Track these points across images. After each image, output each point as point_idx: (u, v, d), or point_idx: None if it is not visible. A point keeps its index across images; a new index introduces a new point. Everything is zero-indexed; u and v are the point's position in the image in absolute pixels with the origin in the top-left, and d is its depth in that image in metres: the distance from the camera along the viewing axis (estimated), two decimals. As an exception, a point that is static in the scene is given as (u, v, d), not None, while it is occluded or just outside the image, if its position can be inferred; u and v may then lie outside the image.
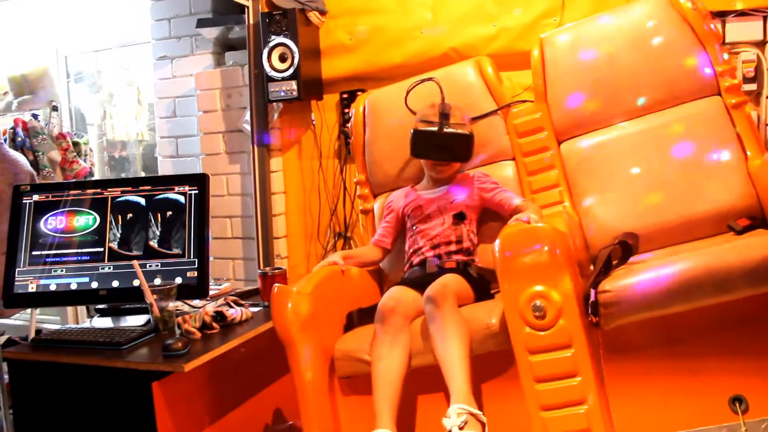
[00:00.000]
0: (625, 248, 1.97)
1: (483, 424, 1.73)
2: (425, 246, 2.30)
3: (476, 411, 1.73)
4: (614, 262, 1.92)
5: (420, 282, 2.11)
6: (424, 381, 1.95)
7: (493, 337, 1.85)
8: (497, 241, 1.78)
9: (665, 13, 2.35)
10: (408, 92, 2.53)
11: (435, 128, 2.37)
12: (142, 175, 4.18)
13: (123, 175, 4.26)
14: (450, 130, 2.37)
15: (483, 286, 2.15)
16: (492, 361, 1.89)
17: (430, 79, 2.50)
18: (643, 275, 1.76)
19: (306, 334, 1.96)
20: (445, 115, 2.38)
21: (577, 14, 2.71)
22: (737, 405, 1.74)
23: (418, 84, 2.54)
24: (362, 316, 2.18)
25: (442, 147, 2.38)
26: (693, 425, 1.77)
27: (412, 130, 2.40)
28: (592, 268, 1.95)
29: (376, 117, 2.68)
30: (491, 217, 2.39)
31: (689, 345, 1.80)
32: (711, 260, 1.72)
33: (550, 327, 1.68)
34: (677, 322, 1.77)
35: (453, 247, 2.27)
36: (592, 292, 1.76)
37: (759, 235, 2.00)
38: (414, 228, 2.37)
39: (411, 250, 2.35)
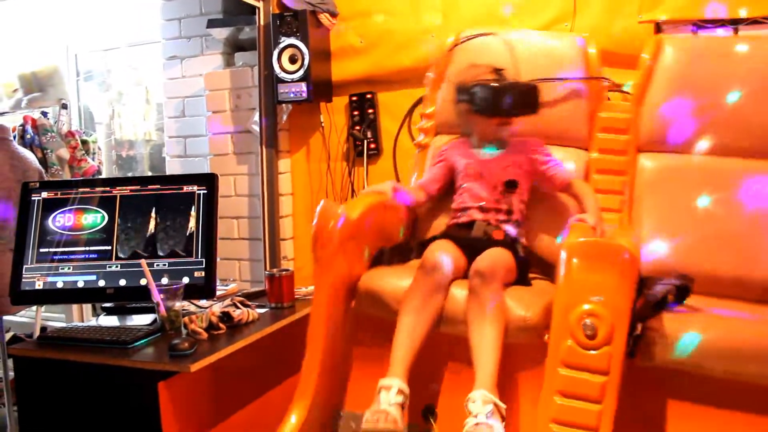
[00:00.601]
0: (682, 291, 1.86)
1: (503, 417, 1.71)
2: (474, 207, 2.22)
3: (500, 403, 1.71)
4: (669, 299, 1.82)
5: (466, 243, 2.08)
6: (447, 346, 1.91)
7: (527, 330, 1.81)
8: (563, 250, 1.71)
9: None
10: (462, 42, 2.51)
11: (497, 83, 2.24)
12: (150, 174, 4.19)
13: (130, 174, 4.27)
14: (515, 82, 2.30)
15: (524, 269, 2.10)
16: (518, 353, 1.85)
17: (493, 33, 2.43)
18: (695, 326, 1.69)
19: (339, 257, 1.97)
20: (499, 71, 2.28)
21: (588, 20, 2.70)
22: None
23: (479, 36, 2.48)
24: (393, 255, 2.18)
25: (510, 100, 2.21)
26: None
27: (474, 87, 2.23)
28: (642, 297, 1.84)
29: (461, 60, 2.52)
30: (541, 195, 2.32)
31: (720, 413, 1.70)
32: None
33: (595, 348, 1.62)
34: (716, 386, 1.69)
35: (502, 216, 2.20)
36: (639, 326, 1.70)
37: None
38: (463, 186, 2.29)
39: (459, 207, 2.26)
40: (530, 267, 2.12)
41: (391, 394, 1.76)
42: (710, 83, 2.28)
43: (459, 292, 1.91)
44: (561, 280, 1.69)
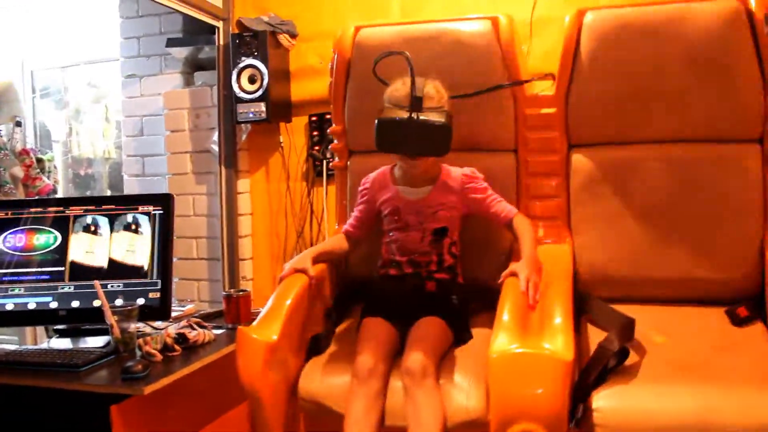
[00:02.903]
0: (622, 354, 1.74)
1: None
2: (403, 260, 2.13)
3: None
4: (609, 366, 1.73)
5: (396, 304, 2.06)
6: None
7: (471, 424, 1.75)
8: (491, 363, 1.61)
9: (740, 32, 2.03)
10: (375, 63, 2.07)
11: (403, 117, 1.96)
12: (108, 193, 4.13)
13: (88, 193, 4.20)
14: (422, 117, 1.95)
15: (463, 317, 2.07)
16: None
17: (400, 53, 1.97)
18: (640, 398, 1.62)
19: (270, 377, 1.86)
20: (416, 100, 1.96)
21: (546, 41, 2.74)
22: None
23: (385, 57, 2.04)
24: (328, 337, 2.13)
25: (412, 139, 1.97)
26: None
27: (376, 120, 1.99)
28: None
29: (365, 64, 2.18)
30: (473, 221, 2.19)
31: None
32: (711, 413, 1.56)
33: None
34: None
35: (433, 267, 2.11)
36: (581, 406, 1.63)
37: (755, 337, 1.89)
38: (390, 234, 2.17)
39: (387, 258, 2.17)
40: (468, 308, 2.11)
41: None
42: (641, 61, 2.10)
43: (398, 384, 1.85)
44: (492, 396, 1.61)
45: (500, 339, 1.64)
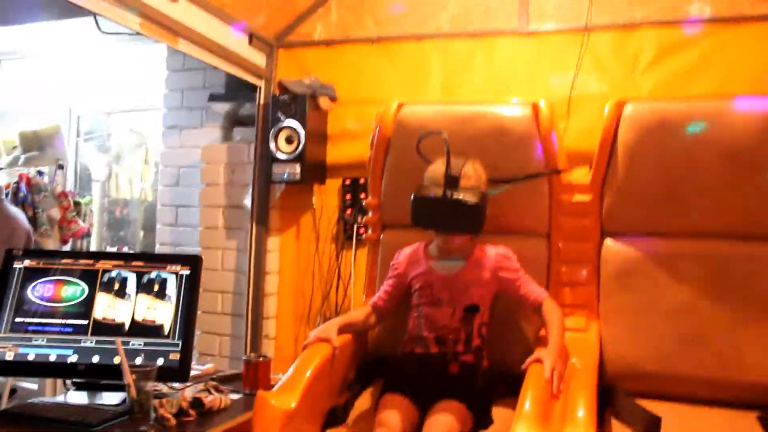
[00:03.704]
0: None
1: None
2: (429, 337, 2.11)
3: None
4: None
5: (418, 383, 2.04)
6: None
7: None
8: None
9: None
10: (419, 142, 2.15)
11: (438, 194, 2.05)
12: (141, 234, 4.19)
13: (122, 234, 4.26)
14: (456, 197, 2.03)
15: (485, 402, 2.03)
16: None
17: (438, 133, 2.07)
18: None
19: None
20: (452, 179, 2.06)
21: (584, 118, 2.73)
22: None
23: (425, 137, 2.14)
24: (347, 409, 2.12)
25: (446, 217, 2.07)
26: None
27: (411, 196, 2.10)
28: None
29: (405, 140, 2.28)
30: (503, 305, 2.20)
31: None
32: None
33: None
34: None
35: (461, 347, 2.09)
36: None
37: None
38: (420, 308, 2.16)
39: (414, 334, 2.16)
40: (492, 392, 2.07)
41: None
42: (677, 155, 2.11)
43: None
44: None
45: (520, 429, 1.61)
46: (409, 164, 2.20)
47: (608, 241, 2.23)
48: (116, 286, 2.20)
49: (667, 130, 2.12)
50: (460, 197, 2.03)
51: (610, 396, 2.03)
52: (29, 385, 3.64)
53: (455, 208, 2.04)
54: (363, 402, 2.19)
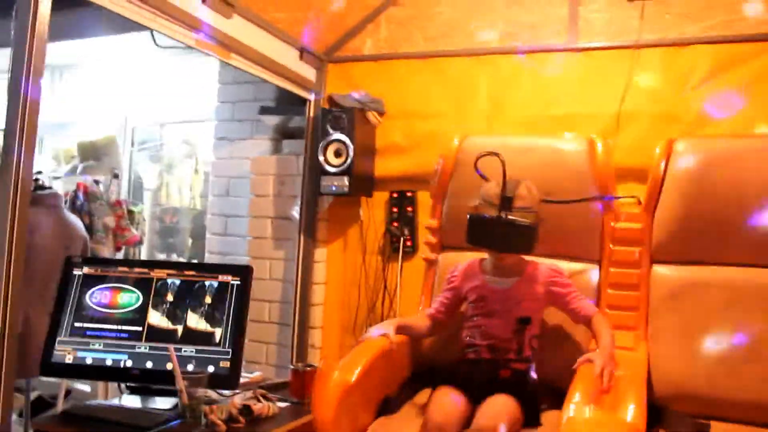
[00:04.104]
0: None
1: None
2: (482, 345, 2.17)
3: None
4: None
5: (470, 382, 2.09)
6: None
7: None
8: (564, 423, 1.67)
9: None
10: (477, 159, 2.22)
11: (492, 215, 2.12)
12: (190, 242, 4.28)
13: (171, 241, 4.36)
14: (510, 217, 2.10)
15: (533, 406, 2.07)
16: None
17: (495, 154, 2.14)
18: None
19: (340, 419, 1.94)
20: (507, 200, 2.12)
21: (630, 138, 2.73)
22: None
23: (483, 156, 2.20)
24: (400, 400, 2.20)
25: (499, 237, 2.14)
26: None
27: (467, 215, 2.19)
28: None
29: (466, 168, 2.43)
30: (553, 321, 2.30)
31: None
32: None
33: None
34: None
35: (512, 356, 2.15)
36: None
37: None
38: (474, 319, 2.23)
39: (467, 341, 2.23)
40: (540, 402, 2.09)
41: None
42: (726, 189, 2.18)
43: None
44: None
45: (572, 407, 1.70)
46: (469, 191, 2.32)
47: (657, 268, 2.29)
48: (169, 295, 2.27)
49: (716, 165, 2.22)
50: (514, 218, 2.10)
51: (659, 414, 2.05)
52: (83, 387, 3.75)
53: (509, 229, 2.11)
54: (416, 398, 2.27)
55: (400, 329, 2.26)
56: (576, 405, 1.71)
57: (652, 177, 2.32)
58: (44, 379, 3.67)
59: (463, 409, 2.02)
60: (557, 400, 1.98)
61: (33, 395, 3.36)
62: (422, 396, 2.26)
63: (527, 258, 2.26)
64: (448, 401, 2.03)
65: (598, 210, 2.37)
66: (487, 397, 2.02)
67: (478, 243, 2.24)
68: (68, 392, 3.52)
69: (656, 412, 2.03)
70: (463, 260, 2.39)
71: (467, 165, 2.38)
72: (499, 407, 1.96)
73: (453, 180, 2.57)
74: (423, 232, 3.10)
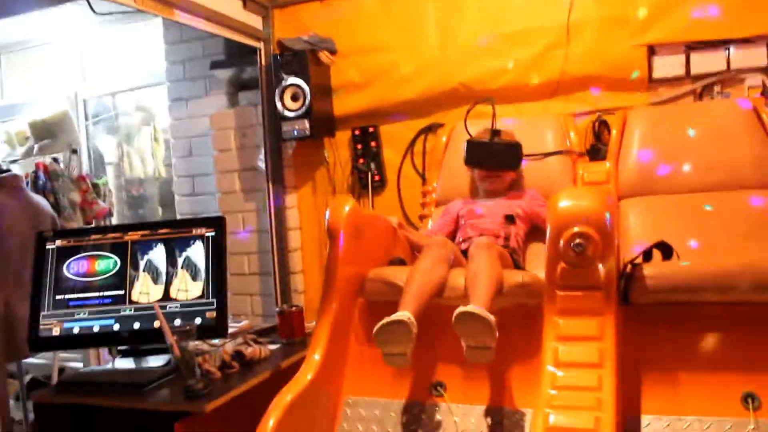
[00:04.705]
0: (666, 248, 1.98)
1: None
2: (474, 235, 2.38)
3: (492, 318, 1.75)
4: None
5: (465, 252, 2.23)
6: (450, 320, 1.89)
7: (523, 289, 1.96)
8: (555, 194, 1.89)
9: (748, 119, 2.50)
10: (468, 112, 2.61)
11: (486, 139, 2.55)
12: (160, 211, 4.26)
13: (141, 212, 4.34)
14: (500, 140, 2.55)
15: (519, 266, 2.29)
16: (514, 315, 1.96)
17: (487, 98, 2.60)
18: (681, 264, 1.91)
19: (350, 244, 2.10)
20: (495, 132, 2.55)
21: (582, 47, 2.76)
22: (750, 402, 1.76)
23: (478, 103, 2.62)
24: (404, 263, 2.29)
25: (493, 155, 2.56)
26: (702, 413, 1.79)
27: (465, 141, 2.59)
28: None
29: (456, 142, 2.83)
30: (539, 235, 2.45)
31: (712, 337, 1.86)
32: (754, 259, 1.80)
33: (586, 265, 1.78)
34: (704, 313, 1.85)
35: (501, 242, 2.34)
36: (629, 266, 1.84)
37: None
38: (465, 224, 2.50)
39: (461, 239, 2.46)
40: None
41: (401, 314, 1.82)
42: (671, 138, 2.56)
43: (460, 270, 2.06)
44: (550, 212, 1.85)
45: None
46: (459, 157, 2.69)
47: (623, 202, 2.54)
48: (146, 255, 2.28)
49: (662, 124, 2.63)
50: (503, 139, 2.56)
51: None
52: (75, 364, 3.77)
53: (500, 147, 2.56)
54: None
55: (402, 227, 2.50)
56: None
57: (616, 135, 2.68)
58: (36, 360, 3.70)
59: (460, 256, 2.21)
60: None
61: (26, 378, 3.37)
62: None
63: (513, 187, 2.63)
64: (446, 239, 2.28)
65: (570, 161, 2.70)
66: None
67: (474, 163, 2.60)
68: (61, 370, 3.53)
69: None
70: None
71: (456, 139, 2.82)
72: (489, 241, 2.15)
73: (447, 151, 2.88)
74: (390, 166, 3.15)
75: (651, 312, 1.88)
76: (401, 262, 2.28)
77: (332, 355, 2.05)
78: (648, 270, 1.84)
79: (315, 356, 2.01)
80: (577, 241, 1.76)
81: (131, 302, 2.24)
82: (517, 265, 2.26)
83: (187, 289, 2.22)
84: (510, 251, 2.31)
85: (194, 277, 2.23)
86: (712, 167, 2.46)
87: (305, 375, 1.97)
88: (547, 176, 2.68)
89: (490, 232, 2.39)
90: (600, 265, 1.79)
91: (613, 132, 2.71)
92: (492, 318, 1.73)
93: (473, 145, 2.58)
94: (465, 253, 2.28)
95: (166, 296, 2.23)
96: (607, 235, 1.79)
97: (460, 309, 1.75)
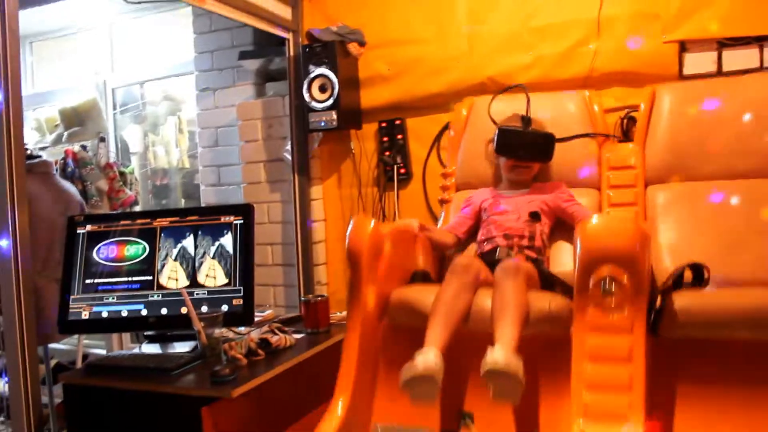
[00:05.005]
0: (698, 271, 1.93)
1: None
2: (498, 236, 2.36)
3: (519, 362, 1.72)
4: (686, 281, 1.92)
5: (490, 262, 2.18)
6: (476, 348, 1.87)
7: (550, 320, 1.89)
8: (580, 225, 1.84)
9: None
10: (493, 98, 2.63)
11: (519, 128, 2.50)
12: (183, 202, 4.29)
13: (164, 202, 4.37)
14: (533, 129, 2.50)
15: (547, 281, 2.17)
16: (541, 346, 1.94)
17: (519, 85, 2.61)
18: (714, 296, 1.82)
19: (372, 266, 2.08)
20: (527, 120, 2.52)
21: (612, 41, 2.73)
22: None
23: (508, 89, 2.65)
24: (426, 278, 2.28)
25: (526, 145, 2.50)
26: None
27: (497, 129, 2.53)
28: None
29: (477, 119, 2.78)
30: (564, 230, 2.44)
31: (745, 375, 1.79)
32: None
33: (615, 309, 1.72)
34: (738, 349, 1.78)
35: (525, 242, 2.33)
36: (659, 298, 1.79)
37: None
38: (488, 218, 2.45)
39: (483, 237, 2.42)
40: (553, 284, 2.16)
41: (428, 355, 1.79)
42: (703, 119, 2.46)
43: (485, 293, 2.01)
44: (581, 249, 1.77)
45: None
46: (480, 139, 2.70)
47: (650, 188, 2.50)
48: (175, 242, 2.30)
49: (694, 102, 2.51)
50: (536, 129, 2.51)
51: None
52: (99, 351, 3.82)
53: (533, 138, 2.51)
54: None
55: (423, 229, 2.39)
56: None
57: (641, 119, 2.60)
58: (60, 346, 3.75)
59: (485, 269, 2.13)
60: (568, 292, 2.02)
61: (51, 363, 3.42)
62: None
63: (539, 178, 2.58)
64: (472, 258, 2.19)
65: (595, 144, 2.64)
66: None
67: (507, 152, 2.53)
68: (85, 357, 3.57)
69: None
70: None
71: (478, 116, 2.77)
72: (522, 262, 2.08)
73: (467, 131, 2.82)
74: (415, 159, 3.14)
75: (682, 346, 1.83)
76: (424, 277, 2.26)
77: (361, 381, 2.05)
78: (678, 303, 1.77)
79: (345, 386, 2.01)
80: (607, 283, 1.71)
81: (159, 288, 2.26)
82: (542, 271, 2.19)
83: (215, 275, 2.24)
84: (535, 251, 2.31)
85: (222, 264, 2.24)
86: (748, 150, 2.38)
87: (336, 410, 1.97)
88: (571, 160, 2.61)
89: (515, 231, 2.36)
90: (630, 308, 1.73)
91: (641, 108, 2.60)
92: (520, 369, 1.70)
93: (507, 133, 2.52)
94: (486, 256, 2.30)
95: (194, 283, 2.25)
96: (639, 274, 1.72)
97: (488, 366, 1.70)
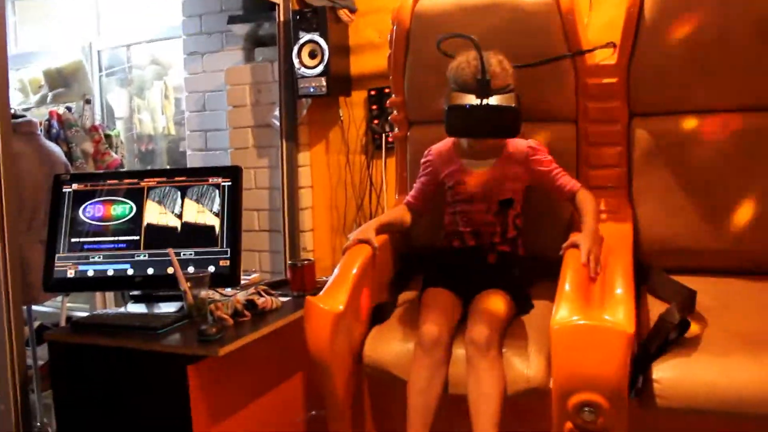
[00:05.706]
0: (683, 326, 1.70)
1: None
2: (466, 232, 2.17)
3: None
4: (671, 338, 1.69)
5: (458, 274, 2.10)
6: (458, 408, 1.86)
7: (530, 391, 1.81)
8: (553, 335, 1.60)
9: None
10: (439, 43, 2.07)
11: (472, 103, 1.99)
12: (168, 168, 4.27)
13: (149, 168, 4.34)
14: (491, 103, 1.98)
15: (524, 288, 2.11)
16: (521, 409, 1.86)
17: (468, 37, 1.96)
18: (701, 370, 1.62)
19: (336, 345, 1.90)
20: (484, 83, 1.98)
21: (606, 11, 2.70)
22: None
23: (451, 37, 2.04)
24: (391, 306, 2.19)
25: (482, 124, 2.02)
26: None
27: (445, 107, 2.04)
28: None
29: (423, 39, 2.26)
30: (536, 196, 2.23)
31: None
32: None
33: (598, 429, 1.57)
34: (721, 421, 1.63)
35: (497, 239, 2.15)
36: (640, 378, 1.64)
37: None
38: (455, 205, 2.19)
39: (451, 229, 2.21)
40: (531, 279, 2.15)
41: None
42: (706, 31, 2.05)
43: (461, 352, 1.90)
44: (554, 367, 1.62)
45: (562, 311, 1.63)
46: (431, 59, 2.14)
47: (636, 122, 2.22)
48: (162, 202, 2.29)
49: (694, 4, 2.06)
50: (496, 103, 1.99)
51: (645, 273, 2.09)
52: (83, 314, 3.80)
53: (493, 114, 2.01)
54: (406, 297, 2.27)
55: (380, 229, 2.21)
56: (564, 306, 1.66)
57: (625, 21, 2.16)
58: (42, 308, 3.74)
59: (455, 309, 2.03)
60: (547, 270, 2.01)
61: (35, 325, 3.41)
62: (411, 294, 2.27)
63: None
64: (439, 309, 2.00)
65: (570, 67, 2.24)
66: (477, 290, 2.04)
67: (459, 134, 2.14)
68: (68, 319, 3.56)
69: (642, 271, 2.09)
70: (431, 134, 2.31)
71: (425, 31, 2.26)
72: (491, 314, 1.93)
73: (411, 49, 2.38)
74: (404, 128, 3.12)
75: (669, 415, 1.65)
76: (389, 306, 2.17)
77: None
78: (660, 386, 1.61)
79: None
80: (586, 411, 1.57)
81: (146, 248, 2.25)
82: (516, 284, 2.08)
83: (202, 236, 2.24)
84: (509, 243, 2.17)
85: (209, 225, 2.24)
86: (756, 77, 2.05)
87: None
88: (540, 92, 2.19)
89: (485, 228, 2.15)
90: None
91: (627, 17, 2.12)
92: None
93: (457, 113, 2.03)
94: (455, 256, 2.19)
95: (181, 242, 2.24)
96: (621, 401, 1.56)
97: None
